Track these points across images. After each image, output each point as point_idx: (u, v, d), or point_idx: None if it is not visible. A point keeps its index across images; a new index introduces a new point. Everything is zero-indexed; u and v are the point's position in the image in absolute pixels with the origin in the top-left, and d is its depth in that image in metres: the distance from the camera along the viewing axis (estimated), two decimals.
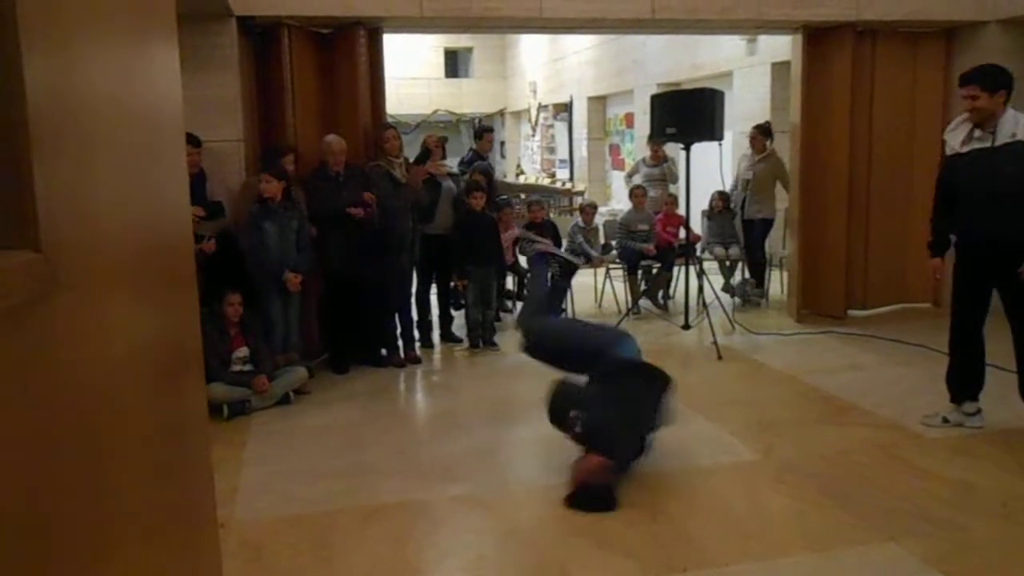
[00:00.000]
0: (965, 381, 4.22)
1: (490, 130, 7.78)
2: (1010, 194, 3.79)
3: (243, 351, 4.91)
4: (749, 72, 9.45)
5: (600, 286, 7.66)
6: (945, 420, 4.17)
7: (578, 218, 7.36)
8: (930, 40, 6.90)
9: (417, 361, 5.94)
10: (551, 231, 7.17)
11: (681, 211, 7.30)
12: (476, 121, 16.71)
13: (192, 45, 5.11)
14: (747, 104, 9.50)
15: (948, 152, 4.10)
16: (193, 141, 4.73)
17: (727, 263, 7.61)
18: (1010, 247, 3.83)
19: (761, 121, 7.87)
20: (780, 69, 8.57)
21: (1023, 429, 4.18)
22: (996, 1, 6.48)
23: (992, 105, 3.82)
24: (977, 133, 3.91)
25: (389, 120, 6.29)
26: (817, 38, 6.58)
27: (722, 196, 7.57)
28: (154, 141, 1.55)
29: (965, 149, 3.95)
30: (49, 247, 0.92)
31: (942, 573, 2.86)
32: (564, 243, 7.33)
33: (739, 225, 7.48)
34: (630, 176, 8.01)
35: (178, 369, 1.67)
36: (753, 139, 7.38)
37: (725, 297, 7.36)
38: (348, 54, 5.79)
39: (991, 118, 3.84)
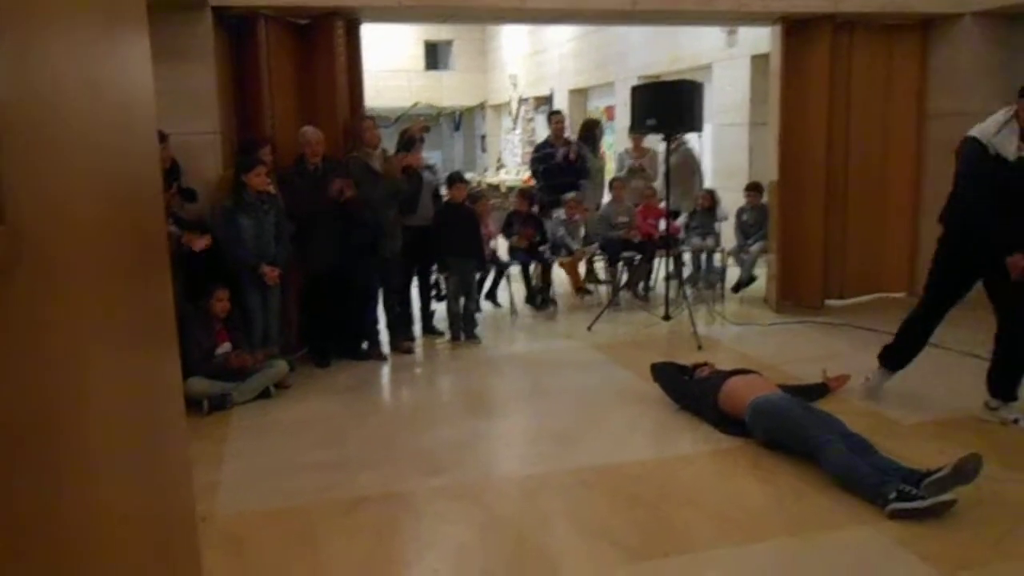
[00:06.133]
0: (907, 359, 4.50)
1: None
2: None
3: (226, 346, 4.88)
4: (729, 64, 9.49)
5: (583, 278, 7.68)
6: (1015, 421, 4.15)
7: (561, 211, 7.37)
8: (906, 32, 6.97)
9: (410, 351, 5.93)
10: (534, 222, 7.17)
11: (662, 203, 7.36)
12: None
13: (167, 36, 5.04)
14: (727, 96, 9.54)
15: (993, 154, 3.98)
16: (160, 137, 4.66)
17: (703, 253, 7.68)
18: None
19: (738, 113, 7.94)
20: (759, 61, 8.61)
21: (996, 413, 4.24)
22: None
23: None
24: None
25: (368, 113, 6.25)
26: (795, 30, 6.62)
27: (708, 194, 7.63)
28: (125, 126, 1.53)
29: (1014, 158, 3.95)
30: (13, 221, 0.91)
31: (915, 554, 2.92)
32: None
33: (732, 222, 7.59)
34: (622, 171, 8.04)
35: (150, 352, 1.66)
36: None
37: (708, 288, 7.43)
38: (326, 45, 5.75)
39: None
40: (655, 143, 7.64)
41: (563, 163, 7.44)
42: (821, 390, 4.57)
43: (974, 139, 4.06)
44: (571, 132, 8.30)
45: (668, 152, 6.57)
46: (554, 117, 7.88)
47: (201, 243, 4.89)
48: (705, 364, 4.56)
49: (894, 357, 4.54)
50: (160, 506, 1.65)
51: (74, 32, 1.25)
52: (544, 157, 7.64)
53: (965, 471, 3.15)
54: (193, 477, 3.57)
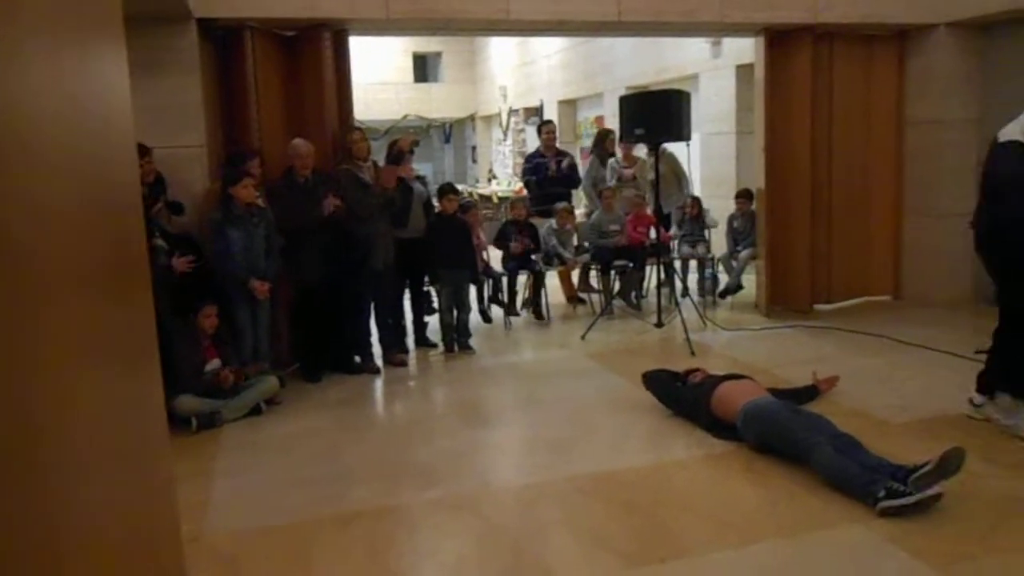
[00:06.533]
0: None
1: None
2: None
3: (215, 363, 4.85)
4: (714, 74, 9.56)
5: (576, 287, 7.70)
6: None
7: (552, 221, 7.39)
8: (884, 42, 7.08)
9: (403, 364, 5.91)
10: (530, 231, 7.18)
11: (651, 210, 7.39)
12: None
13: (152, 48, 5.03)
14: (713, 106, 9.61)
15: None
16: (141, 151, 4.65)
17: (693, 261, 7.72)
18: None
19: (725, 122, 7.99)
20: (744, 71, 8.68)
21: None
22: (944, 5, 6.67)
23: None
24: None
25: (357, 124, 6.26)
26: (778, 40, 6.69)
27: (695, 201, 7.67)
28: (102, 136, 1.53)
29: None
30: None
31: (906, 551, 2.94)
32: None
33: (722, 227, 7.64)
34: (591, 181, 8.05)
35: (130, 367, 1.64)
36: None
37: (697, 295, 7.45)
38: (313, 57, 5.75)
39: None
40: (641, 152, 7.69)
41: (556, 175, 7.47)
42: (811, 392, 4.58)
43: (1016, 142, 3.83)
44: (561, 142, 8.33)
45: (656, 161, 6.60)
46: (545, 127, 7.92)
47: (184, 265, 4.86)
48: (698, 370, 4.57)
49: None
50: (143, 523, 1.63)
51: (51, 42, 1.24)
52: (536, 168, 7.67)
53: (949, 465, 3.19)
54: (182, 496, 3.55)
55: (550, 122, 8.31)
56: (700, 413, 4.22)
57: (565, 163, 7.52)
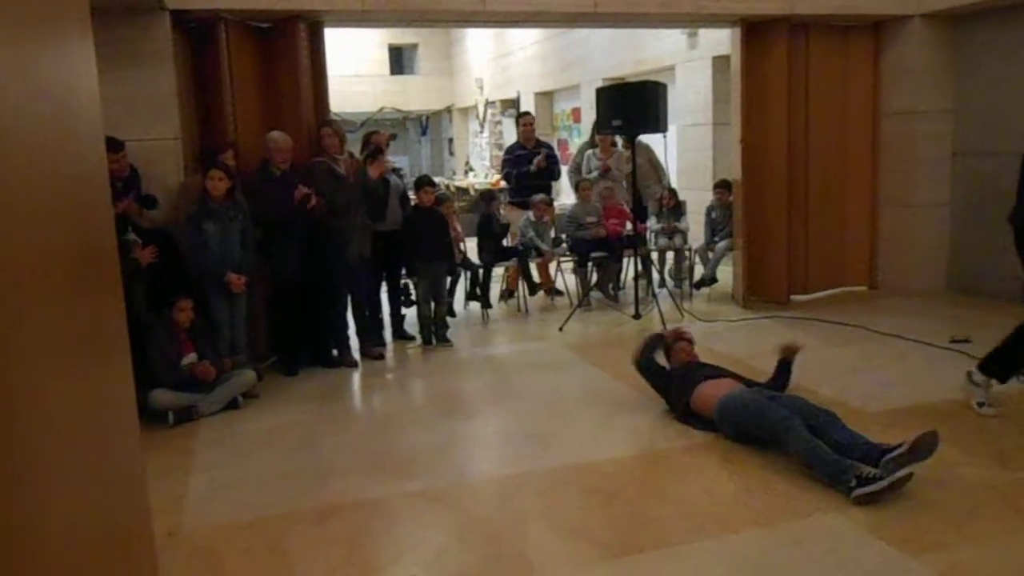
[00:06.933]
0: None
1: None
2: None
3: (191, 356, 4.80)
4: (690, 66, 9.59)
5: (553, 278, 7.71)
6: None
7: (529, 213, 7.39)
8: (859, 33, 7.13)
9: (381, 357, 5.89)
10: (498, 223, 7.18)
11: (624, 201, 7.42)
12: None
13: (124, 40, 4.97)
14: (689, 97, 9.64)
15: None
16: (114, 146, 4.57)
17: (670, 252, 7.76)
18: None
19: (702, 114, 8.02)
20: (721, 62, 8.72)
21: (958, 400, 4.34)
22: None
23: None
24: None
25: (334, 117, 6.21)
26: (754, 31, 6.72)
27: (672, 194, 7.70)
28: (68, 133, 1.50)
29: None
30: None
31: (883, 539, 2.98)
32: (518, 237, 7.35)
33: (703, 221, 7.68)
34: (576, 170, 8.05)
35: (101, 363, 1.62)
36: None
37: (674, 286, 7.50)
38: (288, 49, 5.70)
39: None
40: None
41: (537, 168, 7.46)
42: (785, 371, 4.46)
43: None
44: (538, 134, 8.31)
45: (633, 152, 6.61)
46: (523, 119, 7.89)
47: (147, 257, 4.79)
48: (684, 336, 4.61)
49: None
50: (114, 518, 1.61)
51: (13, 32, 1.21)
52: (516, 160, 7.64)
53: (922, 448, 3.23)
54: (159, 490, 3.52)
55: (528, 114, 8.28)
56: (679, 405, 4.25)
57: (542, 155, 7.50)
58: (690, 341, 4.64)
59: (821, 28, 6.96)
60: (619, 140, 7.59)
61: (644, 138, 7.37)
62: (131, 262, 4.59)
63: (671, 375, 4.48)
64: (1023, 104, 6.38)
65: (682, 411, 4.23)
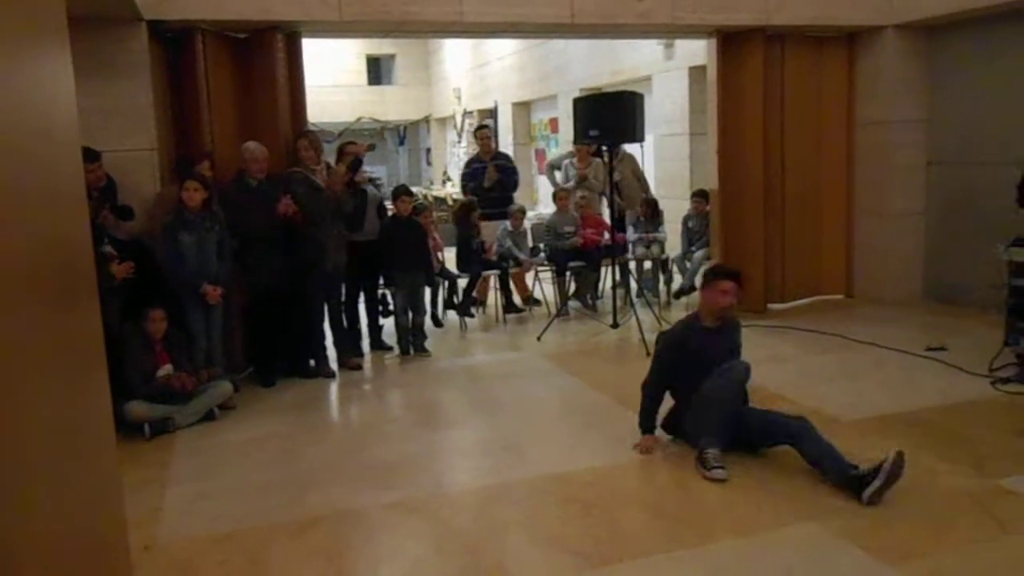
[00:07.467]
0: None
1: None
2: None
3: (167, 368, 4.74)
4: (667, 76, 9.68)
5: (530, 288, 7.72)
6: None
7: (507, 223, 7.40)
8: (834, 44, 7.24)
9: (358, 367, 5.86)
10: (476, 234, 7.18)
11: (600, 211, 7.45)
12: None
13: (100, 50, 4.95)
14: (666, 107, 9.73)
15: None
16: (90, 156, 4.53)
17: (648, 261, 7.80)
18: None
19: (678, 123, 8.08)
20: (697, 73, 8.80)
21: (934, 408, 4.40)
22: (892, 7, 6.85)
23: None
24: None
25: (312, 128, 6.19)
26: (730, 42, 6.80)
27: (648, 203, 7.74)
28: (45, 132, 1.48)
29: None
30: None
31: (860, 548, 3.00)
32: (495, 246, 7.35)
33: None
34: (552, 168, 8.08)
35: (77, 375, 1.60)
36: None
37: (652, 295, 7.53)
38: (266, 59, 5.68)
39: None
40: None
41: (491, 182, 7.42)
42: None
43: None
44: (516, 143, 8.32)
45: (611, 162, 6.63)
46: (480, 132, 7.83)
47: (123, 272, 4.74)
48: (728, 274, 4.02)
49: None
50: (89, 531, 1.59)
51: None
52: (473, 173, 7.62)
53: (895, 472, 3.30)
54: (135, 503, 3.48)
55: (486, 126, 8.25)
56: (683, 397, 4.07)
57: (491, 167, 7.42)
58: (737, 282, 3.96)
59: (796, 39, 7.06)
60: (603, 151, 7.61)
61: (628, 149, 7.43)
62: (107, 276, 4.53)
63: (685, 352, 4.00)
64: (996, 114, 6.51)
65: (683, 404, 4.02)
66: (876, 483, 3.28)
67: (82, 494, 1.59)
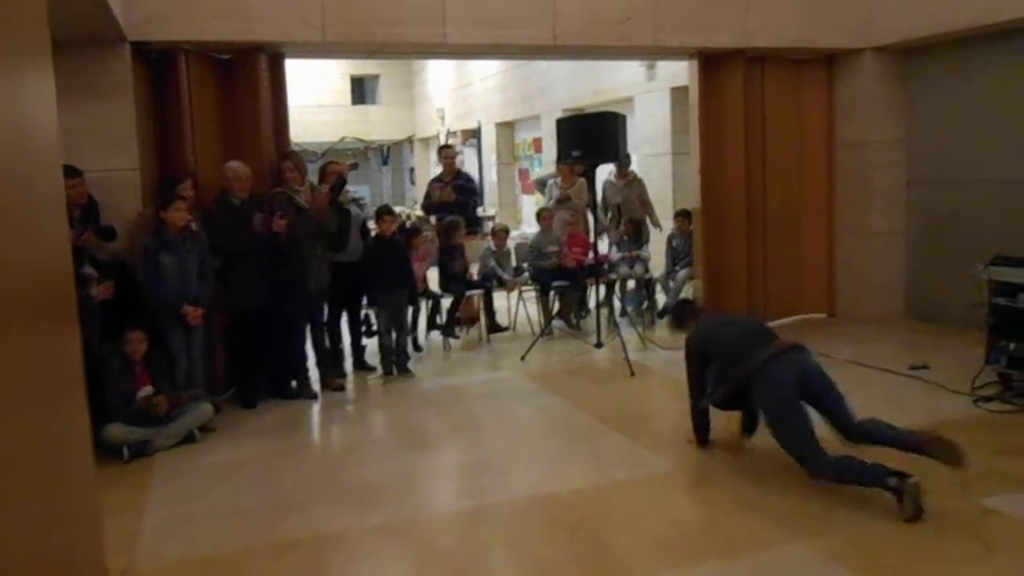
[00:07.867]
0: None
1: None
2: None
3: (147, 390, 4.68)
4: (649, 97, 9.77)
5: (513, 308, 7.70)
6: None
7: (490, 242, 7.40)
8: (813, 66, 7.35)
9: (341, 388, 5.81)
10: (459, 253, 7.17)
11: (585, 231, 7.47)
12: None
13: (84, 71, 4.93)
14: (648, 128, 9.81)
15: None
16: (72, 172, 4.50)
17: (631, 281, 7.83)
18: None
19: (661, 143, 8.16)
20: (679, 93, 8.89)
21: (918, 426, 4.40)
22: (870, 30, 6.96)
23: None
24: None
25: (296, 147, 6.17)
26: (711, 64, 6.88)
27: (632, 223, 7.77)
28: (24, 165, 1.47)
29: None
30: None
31: (847, 570, 2.99)
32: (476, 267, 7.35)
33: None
34: (542, 183, 8.11)
35: (55, 398, 1.58)
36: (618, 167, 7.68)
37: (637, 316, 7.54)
38: (249, 80, 5.68)
39: None
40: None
41: (439, 200, 7.37)
42: None
43: None
44: (499, 163, 8.35)
45: (591, 182, 6.66)
46: (444, 152, 7.83)
47: (104, 293, 4.69)
48: None
49: None
50: (65, 555, 1.55)
51: None
52: (428, 193, 7.61)
53: (919, 504, 3.31)
54: (114, 527, 3.41)
55: (449, 147, 8.29)
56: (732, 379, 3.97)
57: (448, 188, 7.37)
58: None
59: (776, 61, 7.16)
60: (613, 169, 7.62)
61: (639, 174, 7.46)
62: (87, 298, 4.48)
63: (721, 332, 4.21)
64: (973, 134, 6.61)
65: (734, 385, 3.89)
66: (908, 513, 3.28)
67: (59, 518, 1.56)
